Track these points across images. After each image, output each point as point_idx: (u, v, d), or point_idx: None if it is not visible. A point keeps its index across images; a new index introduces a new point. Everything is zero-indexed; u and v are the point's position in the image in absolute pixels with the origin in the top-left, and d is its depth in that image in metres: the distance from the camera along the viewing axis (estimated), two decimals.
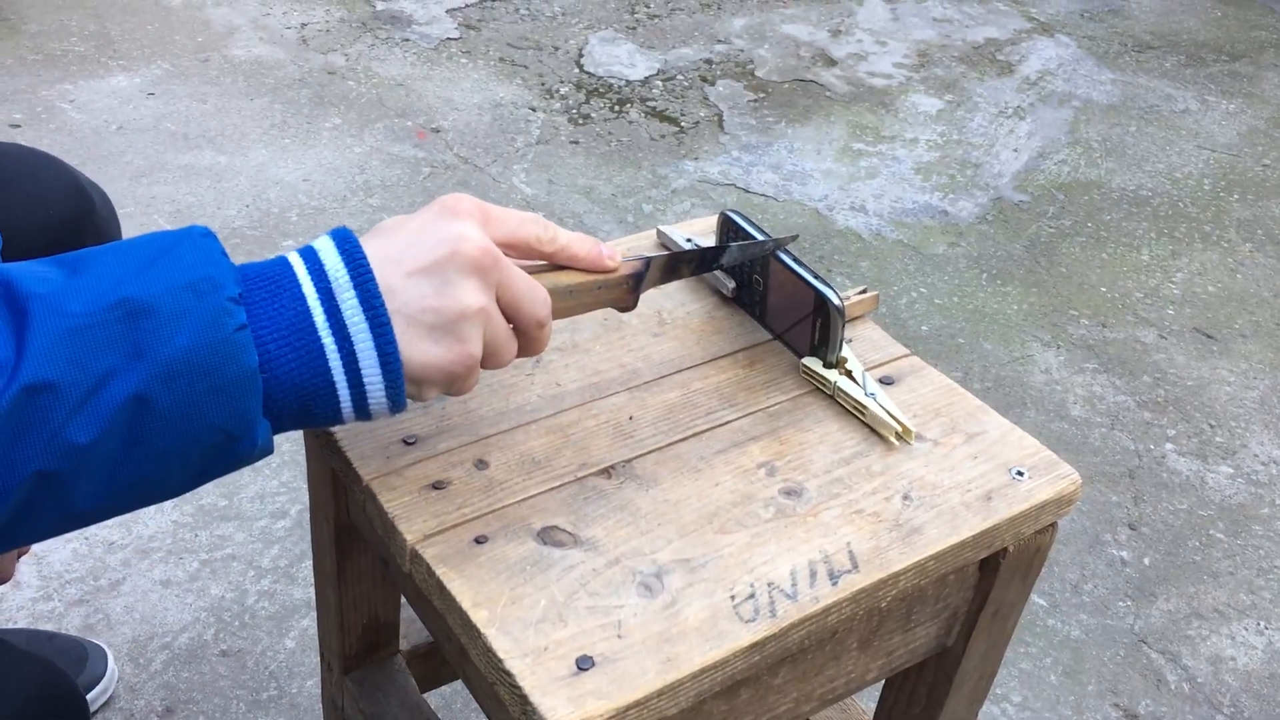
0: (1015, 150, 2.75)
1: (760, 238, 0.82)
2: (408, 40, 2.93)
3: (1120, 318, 2.21)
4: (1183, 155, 2.79)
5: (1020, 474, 0.76)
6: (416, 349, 0.60)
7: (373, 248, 0.60)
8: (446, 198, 0.64)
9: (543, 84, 2.80)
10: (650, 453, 0.75)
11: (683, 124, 2.71)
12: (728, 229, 0.85)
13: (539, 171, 2.46)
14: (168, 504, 1.56)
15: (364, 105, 2.62)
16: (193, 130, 2.45)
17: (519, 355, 0.66)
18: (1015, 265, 2.33)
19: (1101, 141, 2.82)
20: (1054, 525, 0.78)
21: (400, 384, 0.60)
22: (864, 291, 0.91)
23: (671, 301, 0.88)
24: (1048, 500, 0.74)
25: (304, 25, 2.94)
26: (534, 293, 0.64)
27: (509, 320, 0.64)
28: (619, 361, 0.82)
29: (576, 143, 2.58)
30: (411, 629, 1.01)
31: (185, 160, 2.34)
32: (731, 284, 0.88)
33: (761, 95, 2.87)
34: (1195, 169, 2.74)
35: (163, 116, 2.48)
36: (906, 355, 0.86)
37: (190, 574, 1.48)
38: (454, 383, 0.63)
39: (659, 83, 2.87)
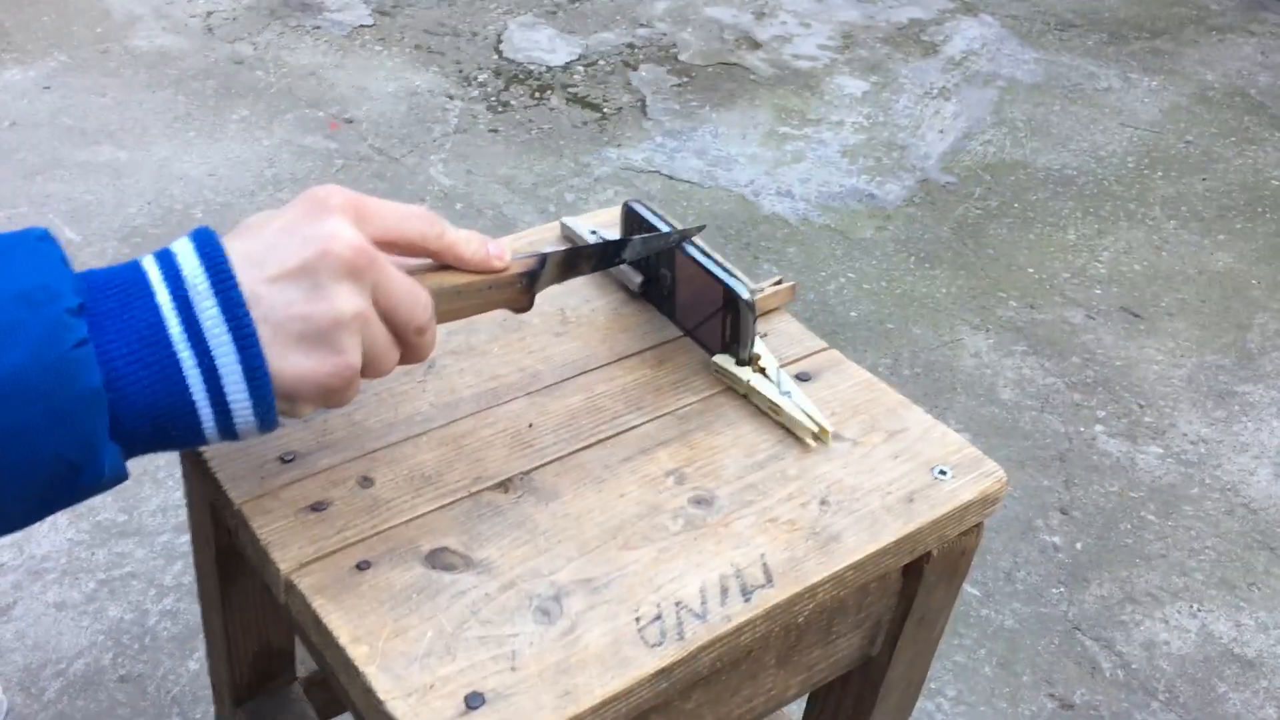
0: (941, 131, 2.73)
1: (665, 229, 0.77)
2: (318, 28, 2.84)
3: (1048, 299, 2.20)
4: (1106, 133, 2.79)
5: (943, 473, 0.71)
6: (286, 362, 0.54)
7: (236, 249, 0.55)
8: (316, 189, 0.58)
9: (460, 71, 2.73)
10: (550, 463, 0.69)
11: (605, 110, 2.65)
12: (632, 221, 0.80)
13: (457, 161, 2.38)
14: (61, 521, 1.48)
15: (273, 96, 2.52)
16: (91, 125, 2.34)
17: (401, 363, 0.61)
18: (943, 248, 2.31)
19: (1026, 121, 2.81)
20: (979, 526, 0.74)
21: (269, 400, 0.54)
22: (779, 282, 0.86)
23: (575, 298, 0.83)
24: (972, 500, 0.70)
25: (209, 13, 2.84)
26: (414, 296, 0.59)
27: (387, 325, 0.59)
28: (518, 364, 0.77)
29: (496, 131, 2.51)
30: (309, 654, 0.95)
31: (83, 156, 2.24)
32: (639, 278, 0.83)
33: (685, 80, 2.82)
34: (1119, 147, 2.74)
35: (59, 111, 2.37)
36: (824, 349, 0.81)
37: (87, 595, 1.40)
38: (331, 396, 0.57)
39: (580, 68, 2.81)
